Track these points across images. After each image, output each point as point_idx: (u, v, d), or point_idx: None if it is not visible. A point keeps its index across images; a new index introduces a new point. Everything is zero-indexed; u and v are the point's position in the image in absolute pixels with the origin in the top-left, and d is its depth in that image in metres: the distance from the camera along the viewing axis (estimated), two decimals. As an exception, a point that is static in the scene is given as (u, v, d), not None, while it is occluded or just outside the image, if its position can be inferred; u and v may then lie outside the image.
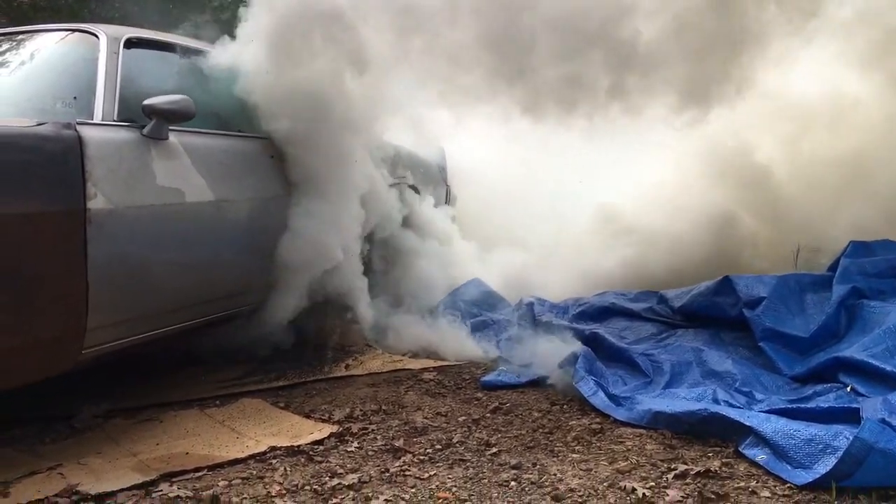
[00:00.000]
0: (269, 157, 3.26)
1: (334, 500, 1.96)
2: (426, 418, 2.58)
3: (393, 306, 4.00)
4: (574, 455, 2.16)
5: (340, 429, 2.48)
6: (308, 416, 2.69)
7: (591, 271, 4.35)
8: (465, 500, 1.89)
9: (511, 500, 1.88)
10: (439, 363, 3.33)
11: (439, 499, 1.91)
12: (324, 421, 2.61)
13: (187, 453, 2.41)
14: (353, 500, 1.95)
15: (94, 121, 2.48)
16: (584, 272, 4.41)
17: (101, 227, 2.33)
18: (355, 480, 2.07)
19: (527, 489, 1.93)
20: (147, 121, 2.62)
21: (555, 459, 2.13)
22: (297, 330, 3.56)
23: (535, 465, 2.09)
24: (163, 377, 3.28)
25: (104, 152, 2.40)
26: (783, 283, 2.91)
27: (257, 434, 2.55)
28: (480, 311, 4.07)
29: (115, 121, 2.55)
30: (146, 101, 2.61)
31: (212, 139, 2.98)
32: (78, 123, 2.38)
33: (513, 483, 1.97)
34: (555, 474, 2.01)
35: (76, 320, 2.33)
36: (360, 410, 2.70)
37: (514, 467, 2.08)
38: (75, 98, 2.59)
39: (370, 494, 1.97)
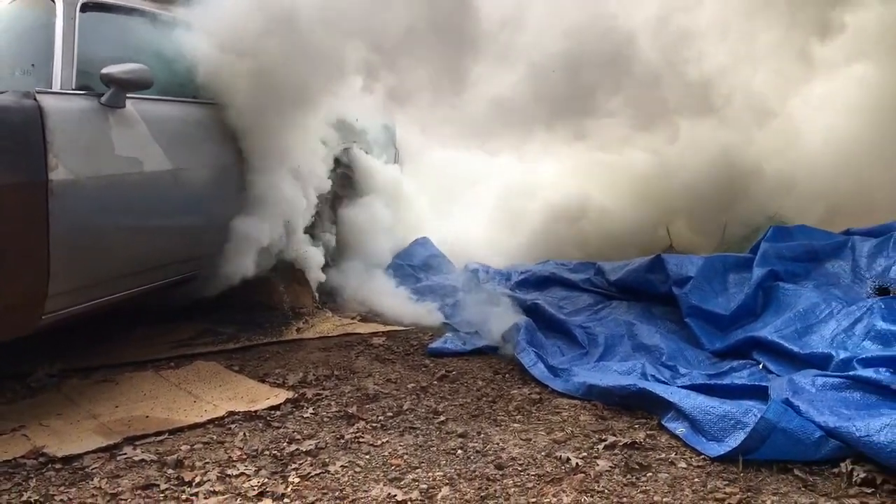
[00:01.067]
0: (224, 123, 3.31)
1: (293, 465, 2.10)
2: (377, 384, 2.73)
3: (342, 269, 4.12)
4: (515, 425, 2.35)
5: (295, 395, 2.62)
6: (262, 381, 2.82)
7: (534, 241, 4.54)
8: (416, 467, 2.07)
9: (458, 467, 2.06)
10: (388, 328, 3.48)
11: (392, 465, 2.08)
12: (278, 385, 2.75)
13: (147, 416, 2.52)
14: (312, 465, 2.10)
15: (53, 89, 2.51)
16: (529, 240, 4.60)
17: (62, 198, 2.38)
18: (312, 447, 2.22)
19: (472, 457, 2.12)
20: (105, 89, 2.65)
21: (497, 429, 2.32)
22: (248, 292, 3.65)
23: (479, 433, 2.28)
24: (115, 337, 3.35)
25: (64, 122, 2.44)
26: (709, 263, 3.13)
27: (214, 398, 2.66)
28: (427, 275, 4.23)
29: (73, 89, 2.57)
30: (104, 70, 2.64)
31: (168, 106, 3.02)
32: (37, 92, 2.40)
33: (459, 451, 2.15)
34: (497, 443, 2.20)
35: (37, 288, 2.40)
36: (314, 375, 2.84)
37: (460, 436, 2.26)
38: (33, 65, 2.60)
39: (327, 460, 2.13)
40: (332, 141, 4.11)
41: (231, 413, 2.50)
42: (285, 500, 1.92)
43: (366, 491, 1.95)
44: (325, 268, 3.99)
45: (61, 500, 1.95)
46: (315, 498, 1.92)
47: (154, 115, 2.88)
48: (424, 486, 1.95)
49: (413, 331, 3.44)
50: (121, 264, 2.75)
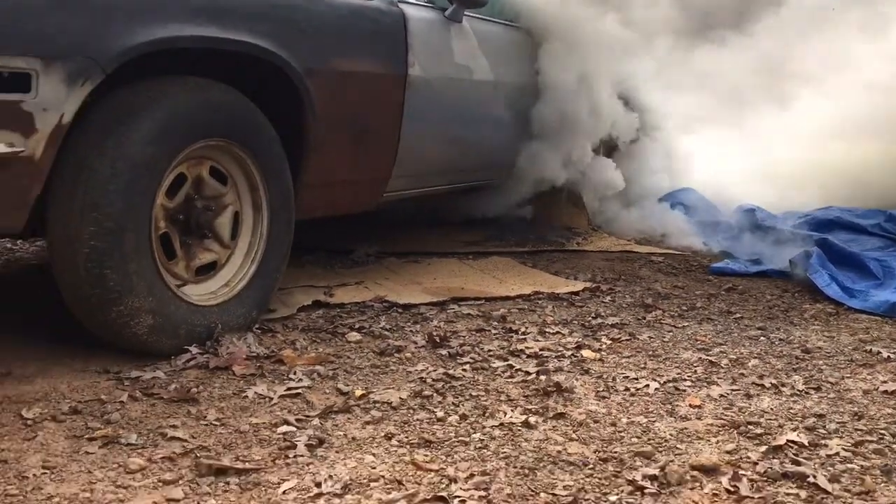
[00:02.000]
0: (532, 46, 3.61)
1: (601, 333, 2.36)
2: (664, 288, 2.93)
3: (616, 197, 4.31)
4: (815, 326, 2.45)
5: (592, 285, 2.89)
6: (556, 275, 3.11)
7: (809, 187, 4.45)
8: (722, 344, 2.25)
9: (763, 348, 2.21)
10: (665, 250, 3.65)
11: (697, 340, 2.28)
12: (572, 279, 3.03)
13: (462, 287, 2.89)
14: (619, 333, 2.35)
15: (411, 1, 2.91)
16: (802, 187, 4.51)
17: (415, 91, 2.78)
18: (617, 321, 2.46)
19: (775, 343, 2.26)
20: (447, 5, 3.03)
21: (796, 327, 2.43)
22: (528, 209, 3.97)
23: (778, 328, 2.41)
24: (415, 233, 3.81)
25: (420, 28, 2.82)
26: None
27: (516, 283, 2.99)
28: (697, 213, 4.31)
29: (425, 2, 2.96)
30: (450, -13, 3.01)
31: (493, 26, 3.35)
32: (399, 2, 2.82)
33: (762, 338, 2.30)
34: (799, 336, 2.32)
35: (386, 168, 2.82)
36: (602, 277, 3.09)
37: (759, 328, 2.40)
38: (394, -22, 3.02)
39: (633, 332, 2.37)
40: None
41: (536, 293, 2.80)
42: (601, 353, 2.18)
43: (676, 354, 2.16)
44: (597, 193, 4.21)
45: (410, 331, 2.34)
46: (629, 354, 2.16)
47: (482, 32, 3.22)
48: (733, 357, 2.13)
49: (690, 255, 3.59)
50: (446, 159, 3.14)
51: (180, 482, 1.38)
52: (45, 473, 1.41)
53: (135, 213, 1.87)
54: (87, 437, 1.56)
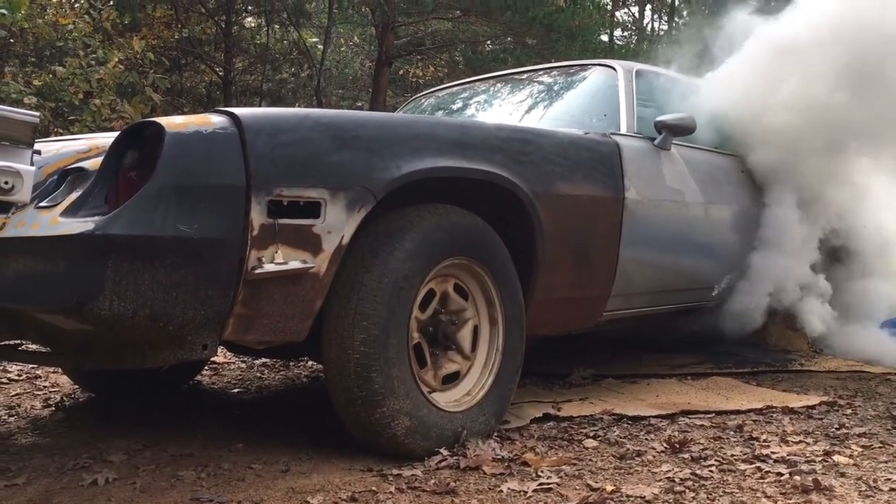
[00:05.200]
0: (740, 172, 3.69)
1: (850, 441, 2.26)
2: (913, 403, 2.76)
3: (835, 319, 4.14)
4: None
5: (829, 399, 2.78)
6: (785, 392, 3.02)
7: None
8: None
9: None
10: (901, 370, 3.44)
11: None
12: (804, 395, 2.93)
13: (689, 403, 2.88)
14: (869, 440, 2.24)
15: (622, 132, 3.12)
16: None
17: (632, 213, 2.92)
18: (864, 431, 2.35)
19: None
20: (657, 135, 3.20)
21: None
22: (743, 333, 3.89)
23: None
24: (629, 357, 3.84)
25: (633, 155, 3.01)
26: None
27: (744, 399, 2.93)
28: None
29: (635, 133, 3.16)
30: (658, 118, 3.20)
31: (699, 153, 3.48)
32: (612, 134, 3.03)
33: None
34: None
35: (606, 286, 2.94)
36: (836, 393, 2.96)
37: None
38: (605, 115, 3.26)
39: (885, 441, 2.25)
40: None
41: (768, 407, 2.74)
42: (854, 458, 2.09)
43: (944, 461, 2.04)
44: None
45: (645, 439, 2.36)
46: (886, 459, 2.06)
47: (690, 158, 3.36)
48: None
49: (932, 374, 3.35)
50: (662, 279, 3.22)
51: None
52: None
53: (397, 321, 2.10)
54: (367, 518, 1.71)
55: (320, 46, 12.09)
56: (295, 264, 1.94)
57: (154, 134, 1.83)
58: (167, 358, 1.90)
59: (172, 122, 1.85)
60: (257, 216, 1.86)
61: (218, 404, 3.06)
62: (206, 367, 3.53)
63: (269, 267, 1.86)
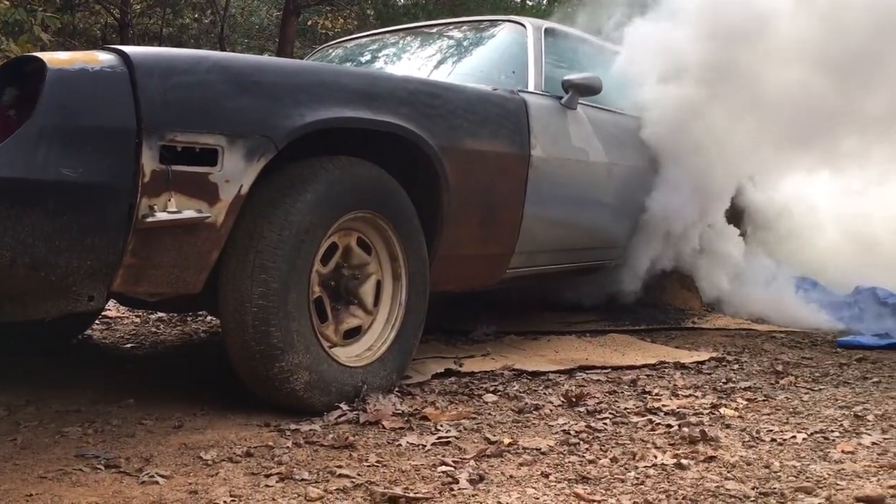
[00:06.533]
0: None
1: (735, 395, 2.37)
2: (792, 359, 2.91)
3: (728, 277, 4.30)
4: (962, 388, 2.39)
5: (717, 355, 2.90)
6: (677, 348, 3.13)
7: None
8: (864, 402, 2.23)
9: (911, 407, 2.18)
10: (785, 328, 3.61)
11: (837, 399, 2.26)
12: (695, 351, 3.04)
13: (587, 358, 2.94)
14: (753, 394, 2.35)
15: (529, 90, 3.12)
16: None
17: (537, 170, 2.93)
18: (749, 385, 2.47)
19: (925, 404, 2.22)
20: (564, 94, 3.22)
21: (944, 390, 2.38)
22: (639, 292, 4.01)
23: (924, 391, 2.37)
24: (531, 315, 3.90)
25: (540, 113, 3.01)
26: None
27: (639, 355, 3.02)
28: (810, 293, 4.26)
29: (543, 91, 3.17)
30: (566, 77, 3.21)
31: (605, 114, 3.52)
32: (520, 91, 3.03)
33: (907, 398, 2.27)
34: (948, 397, 2.27)
35: (510, 244, 2.95)
36: (725, 350, 3.09)
37: (901, 391, 2.37)
38: (514, 72, 3.25)
39: (768, 394, 2.37)
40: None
41: (661, 362, 2.83)
42: (739, 411, 2.18)
43: (818, 411, 2.15)
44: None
45: (544, 393, 2.41)
46: (769, 412, 2.16)
47: (595, 118, 3.40)
48: (878, 412, 2.10)
49: (813, 333, 3.54)
50: (564, 238, 3.26)
51: (359, 507, 1.48)
52: (234, 501, 1.53)
53: (297, 275, 2.05)
54: (263, 474, 1.68)
55: (225, -9, 11.62)
56: (189, 213, 1.85)
57: (35, 70, 1.71)
58: (50, 310, 1.79)
59: (55, 59, 1.72)
60: (149, 161, 1.76)
61: (109, 360, 2.94)
62: (97, 322, 3.38)
63: (161, 215, 1.78)
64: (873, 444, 1.82)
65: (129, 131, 1.74)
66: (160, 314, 3.65)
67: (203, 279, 1.98)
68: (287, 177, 2.10)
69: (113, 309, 3.68)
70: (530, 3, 14.52)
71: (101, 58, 1.78)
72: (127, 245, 1.77)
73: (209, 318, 3.59)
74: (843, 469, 1.64)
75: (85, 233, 1.71)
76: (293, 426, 2.00)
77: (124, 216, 1.75)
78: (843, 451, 1.76)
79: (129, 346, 3.12)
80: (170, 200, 1.80)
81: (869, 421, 2.03)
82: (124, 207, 1.75)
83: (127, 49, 1.81)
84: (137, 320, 3.62)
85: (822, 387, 2.45)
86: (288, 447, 1.85)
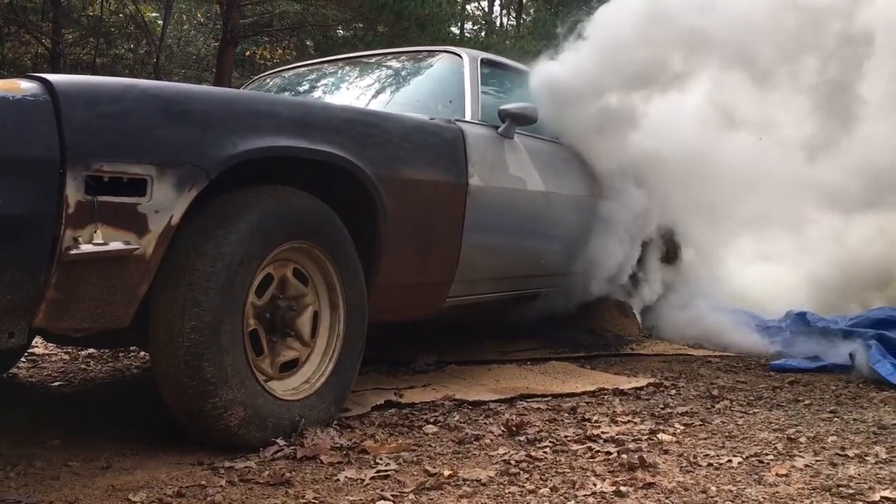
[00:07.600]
0: (580, 162, 3.81)
1: (673, 420, 2.39)
2: (727, 383, 2.96)
3: (665, 307, 4.39)
4: (886, 408, 2.46)
5: (655, 381, 2.93)
6: (616, 375, 3.15)
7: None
8: (797, 425, 2.27)
9: (838, 428, 2.23)
10: (720, 353, 3.68)
11: (771, 422, 2.30)
12: (633, 377, 3.07)
13: (528, 387, 2.94)
14: (691, 419, 2.38)
15: (466, 119, 3.14)
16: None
17: (475, 199, 2.94)
18: (686, 410, 2.49)
19: (850, 423, 2.27)
20: (500, 123, 3.25)
21: (867, 410, 2.44)
22: (573, 318, 4.05)
23: (850, 412, 2.42)
24: (471, 344, 3.89)
25: (477, 142, 3.02)
26: None
27: (579, 382, 3.03)
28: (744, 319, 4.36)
29: (480, 121, 3.19)
30: (502, 107, 3.24)
31: (541, 143, 3.56)
32: (456, 120, 3.04)
33: (835, 419, 2.32)
34: (872, 416, 2.33)
35: (449, 272, 2.94)
36: (662, 375, 3.13)
37: (830, 412, 2.42)
38: (451, 102, 3.27)
39: (705, 418, 2.39)
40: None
41: (601, 389, 2.85)
42: (677, 436, 2.20)
43: (752, 434, 2.18)
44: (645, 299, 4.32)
45: (484, 423, 2.39)
46: (705, 436, 2.19)
47: (532, 147, 3.43)
48: (811, 434, 2.14)
49: (746, 357, 3.61)
50: (504, 266, 3.27)
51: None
52: (162, 544, 1.47)
53: (231, 308, 2.00)
54: (195, 514, 1.61)
55: (160, 22, 11.47)
56: (116, 245, 1.80)
57: (-48, 97, 1.64)
58: (-34, 347, 1.71)
59: (-27, 86, 1.66)
60: (73, 192, 1.70)
61: (36, 399, 2.82)
62: (22, 359, 3.24)
63: (86, 248, 1.72)
64: (806, 466, 1.85)
65: (53, 161, 1.68)
66: (91, 350, 3.52)
67: (131, 313, 1.92)
68: (220, 207, 2.05)
69: (41, 346, 3.54)
70: (469, 36, 14.76)
71: (24, 86, 1.72)
72: (50, 279, 1.71)
73: (142, 353, 3.48)
74: (777, 492, 1.66)
75: (4, 266, 1.64)
76: (227, 463, 1.94)
77: (47, 249, 1.69)
78: (777, 475, 1.78)
79: (56, 384, 3.00)
80: (96, 232, 1.74)
81: (801, 443, 2.07)
82: (47, 240, 1.69)
83: (51, 77, 1.76)
84: (66, 357, 3.49)
85: (756, 410, 2.49)
86: (221, 486, 1.79)
